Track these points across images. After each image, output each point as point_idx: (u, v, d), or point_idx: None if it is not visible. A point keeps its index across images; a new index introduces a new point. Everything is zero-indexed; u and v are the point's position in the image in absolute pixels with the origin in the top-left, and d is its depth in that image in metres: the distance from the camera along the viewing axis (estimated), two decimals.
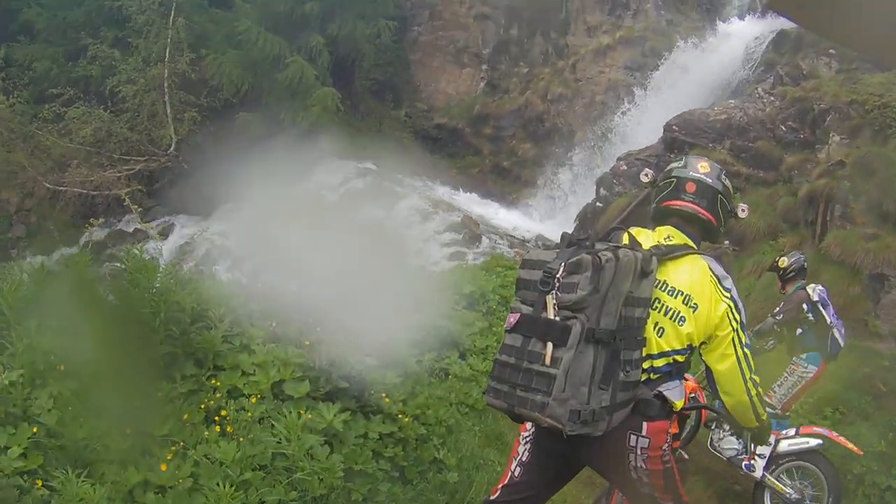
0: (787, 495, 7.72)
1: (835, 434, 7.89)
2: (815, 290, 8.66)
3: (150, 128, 26.15)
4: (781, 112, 19.89)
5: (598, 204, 21.34)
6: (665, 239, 4.06)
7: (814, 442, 7.76)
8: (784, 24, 23.96)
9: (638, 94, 26.46)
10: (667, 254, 3.89)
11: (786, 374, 8.73)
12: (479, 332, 10.45)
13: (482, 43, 31.88)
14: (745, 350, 3.84)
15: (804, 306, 8.60)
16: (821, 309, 8.53)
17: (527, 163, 28.53)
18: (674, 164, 4.30)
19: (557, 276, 3.42)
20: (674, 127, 20.38)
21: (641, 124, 25.14)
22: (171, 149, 25.80)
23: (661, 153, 20.43)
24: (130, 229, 24.38)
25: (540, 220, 26.28)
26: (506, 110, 30.03)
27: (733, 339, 3.82)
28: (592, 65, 29.03)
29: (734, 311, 3.85)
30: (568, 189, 26.60)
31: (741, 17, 27.08)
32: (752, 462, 8.00)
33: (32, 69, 26.37)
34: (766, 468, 7.92)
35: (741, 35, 25.23)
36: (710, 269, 3.93)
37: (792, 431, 8.03)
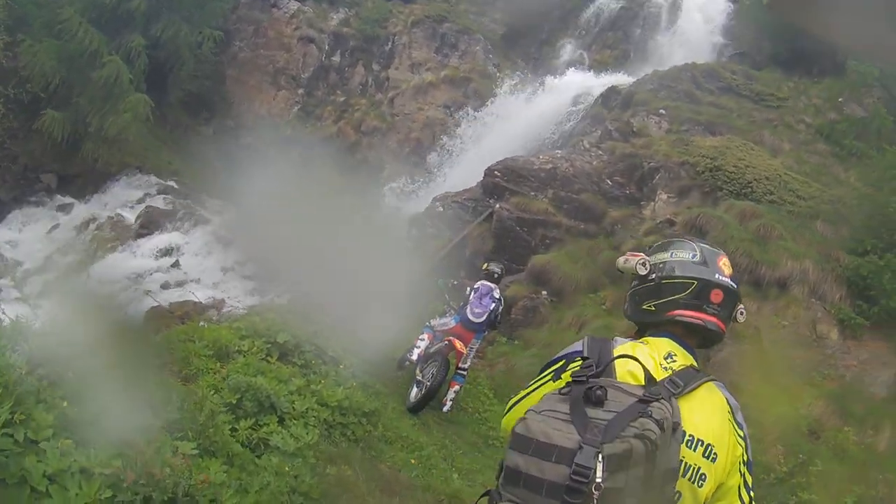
0: (420, 377, 12.00)
1: (454, 339, 11.99)
2: (482, 284, 12.53)
3: None
4: (609, 167, 19.46)
5: (408, 244, 19.92)
6: (667, 359, 2.99)
7: (442, 346, 12.03)
8: (614, 80, 23.92)
9: (457, 135, 25.32)
10: (684, 389, 2.84)
11: (446, 318, 12.64)
12: (296, 392, 8.96)
13: (302, 66, 30.27)
14: (750, 494, 2.93)
15: (468, 288, 12.70)
16: (472, 293, 12.41)
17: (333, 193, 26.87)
18: (681, 255, 3.15)
19: (598, 480, 2.38)
20: (495, 172, 19.33)
21: (460, 166, 24.26)
22: None
23: (480, 197, 19.46)
24: None
25: None
26: (317, 138, 28.35)
27: (740, 487, 2.92)
28: (412, 101, 28.09)
29: (746, 452, 2.96)
30: (377, 225, 25.04)
31: (570, 70, 26.80)
32: (409, 355, 12.46)
33: None
34: (418, 362, 12.21)
35: (569, 87, 24.85)
36: (728, 402, 2.96)
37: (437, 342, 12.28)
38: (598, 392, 2.56)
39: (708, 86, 22.94)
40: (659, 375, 2.84)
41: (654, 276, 3.13)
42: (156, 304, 17.37)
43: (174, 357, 8.94)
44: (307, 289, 20.29)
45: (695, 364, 3.00)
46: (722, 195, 17.47)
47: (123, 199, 23.40)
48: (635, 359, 2.82)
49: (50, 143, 23.07)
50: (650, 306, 3.13)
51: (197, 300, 17.84)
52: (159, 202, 22.92)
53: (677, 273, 3.08)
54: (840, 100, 22.53)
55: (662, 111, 21.16)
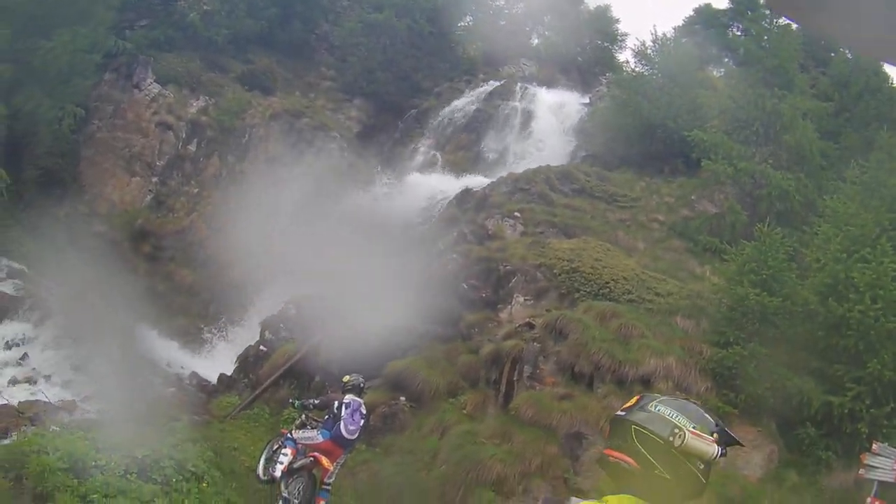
0: (286, 494, 11.50)
1: (319, 455, 11.59)
2: (351, 399, 12.01)
3: None
4: (464, 270, 19.37)
5: (261, 347, 19.48)
6: None
7: (306, 461, 11.71)
8: (468, 182, 23.97)
9: (313, 234, 24.84)
10: None
11: (310, 432, 12.04)
12: None
13: (158, 153, 29.30)
14: None
15: (335, 403, 11.97)
16: (343, 408, 11.82)
17: (183, 290, 25.90)
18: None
19: None
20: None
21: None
22: None
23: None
24: None
25: (197, 355, 23.85)
26: (168, 230, 27.53)
27: None
28: (264, 195, 27.23)
29: None
30: (229, 325, 24.57)
31: (423, 170, 26.99)
32: (272, 471, 11.74)
33: None
34: (282, 478, 11.59)
35: (423, 188, 25.00)
36: None
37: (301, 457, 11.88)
38: None
39: (562, 188, 23.29)
40: None
41: None
42: (3, 401, 16.69)
43: (27, 471, 8.59)
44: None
45: None
46: (579, 296, 17.53)
47: None
48: None
49: None
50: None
51: (47, 400, 17.11)
52: (8, 287, 21.96)
53: None
54: (693, 197, 23.18)
55: (517, 213, 21.27)
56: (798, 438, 14.58)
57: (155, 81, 30.36)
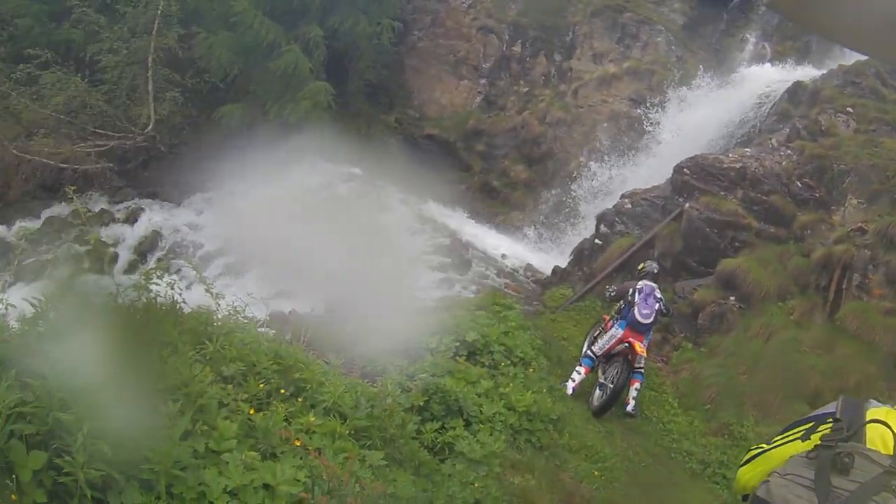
0: (602, 380, 12.51)
1: (633, 341, 12.20)
2: (644, 284, 12.67)
3: (128, 104, 24.41)
4: (798, 167, 18.96)
5: (596, 241, 20.08)
6: None
7: (622, 347, 12.36)
8: (801, 74, 23.25)
9: (644, 129, 25.59)
10: None
11: (605, 334, 12.73)
12: (484, 394, 8.87)
13: (483, 56, 30.75)
14: None
15: (630, 290, 12.65)
16: (637, 294, 12.49)
17: (518, 185, 27.52)
18: None
19: None
20: (685, 170, 19.20)
21: (645, 162, 24.39)
22: (149, 128, 23.80)
23: (669, 195, 19.37)
24: (96, 208, 22.52)
25: (531, 248, 25.23)
26: (501, 128, 28.91)
27: None
28: (595, 92, 28.28)
29: None
30: (563, 220, 25.52)
31: (754, 63, 26.30)
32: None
33: (13, 25, 24.70)
34: (600, 363, 12.74)
35: (753, 81, 24.21)
36: None
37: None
38: (846, 459, 2.42)
39: (893, 82, 22.05)
40: None
41: None
42: None
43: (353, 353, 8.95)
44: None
45: None
46: None
47: (306, 184, 23.68)
48: (887, 425, 2.57)
49: (229, 130, 24.34)
50: None
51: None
52: (342, 189, 23.57)
53: None
54: None
55: (850, 109, 20.42)
56: None
57: None
